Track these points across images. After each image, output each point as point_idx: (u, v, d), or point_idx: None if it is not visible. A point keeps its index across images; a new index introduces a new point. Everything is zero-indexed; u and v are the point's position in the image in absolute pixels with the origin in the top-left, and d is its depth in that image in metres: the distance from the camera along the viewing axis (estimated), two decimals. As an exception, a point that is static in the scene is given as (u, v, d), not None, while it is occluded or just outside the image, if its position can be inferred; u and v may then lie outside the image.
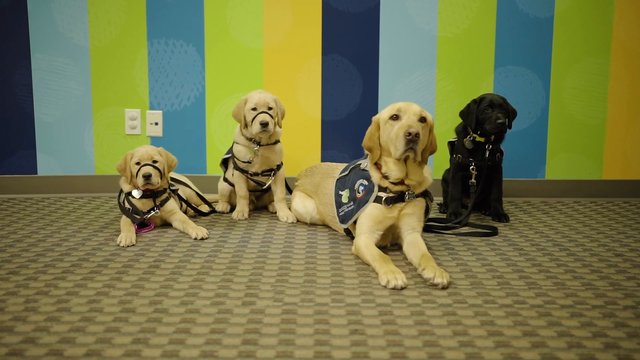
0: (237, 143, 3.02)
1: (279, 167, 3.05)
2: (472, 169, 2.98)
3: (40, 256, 2.31)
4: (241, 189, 3.03)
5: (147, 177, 2.64)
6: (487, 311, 1.80)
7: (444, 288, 2.00)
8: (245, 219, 3.00)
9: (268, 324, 1.70)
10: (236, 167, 3.01)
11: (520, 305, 1.85)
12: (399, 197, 2.32)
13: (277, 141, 3.02)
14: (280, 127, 3.01)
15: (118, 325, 1.67)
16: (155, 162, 2.70)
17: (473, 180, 2.98)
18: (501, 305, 1.85)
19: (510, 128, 3.01)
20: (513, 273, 2.16)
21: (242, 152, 2.99)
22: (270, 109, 2.89)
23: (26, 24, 3.40)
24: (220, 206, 3.17)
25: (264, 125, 2.83)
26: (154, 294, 1.92)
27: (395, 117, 2.26)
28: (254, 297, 1.90)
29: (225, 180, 3.17)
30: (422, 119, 2.27)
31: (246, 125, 2.95)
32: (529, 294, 1.95)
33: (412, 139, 2.18)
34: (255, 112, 2.87)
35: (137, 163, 2.68)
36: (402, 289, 1.98)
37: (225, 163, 3.20)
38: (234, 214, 3.01)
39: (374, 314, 1.77)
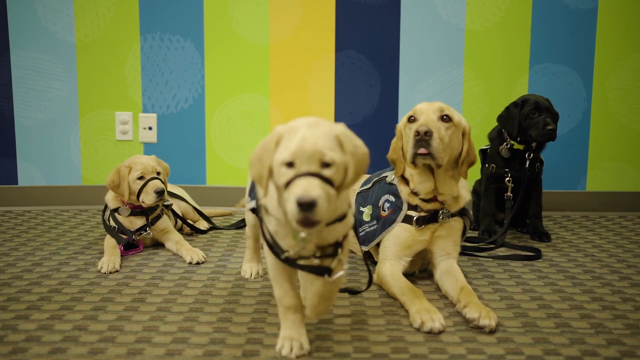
0: (268, 213, 1.51)
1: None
2: (508, 180, 2.61)
3: (5, 286, 1.95)
4: (286, 295, 1.52)
5: (161, 192, 2.33)
6: (552, 367, 1.43)
7: (491, 332, 1.63)
8: (304, 354, 1.49)
9: (275, 387, 1.33)
10: (272, 250, 1.51)
11: (591, 359, 1.47)
12: (431, 217, 1.96)
13: (344, 216, 1.48)
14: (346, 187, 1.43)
15: (82, 390, 1.31)
16: (158, 173, 2.39)
17: (509, 193, 2.61)
18: (567, 357, 1.48)
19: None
20: (571, 310, 1.79)
21: (280, 233, 1.50)
22: (318, 175, 1.34)
23: (5, 16, 3.12)
24: (248, 265, 2.07)
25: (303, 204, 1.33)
26: (135, 339, 1.56)
27: (412, 120, 1.97)
28: (258, 345, 1.54)
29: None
30: (445, 118, 1.92)
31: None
32: (598, 341, 1.57)
33: (421, 138, 1.86)
34: (289, 172, 1.34)
35: (140, 177, 2.34)
36: (439, 332, 1.62)
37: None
38: (280, 346, 1.50)
39: (408, 371, 1.41)
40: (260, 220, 1.57)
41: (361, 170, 1.42)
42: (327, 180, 1.34)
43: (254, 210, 1.74)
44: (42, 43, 3.15)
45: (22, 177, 3.23)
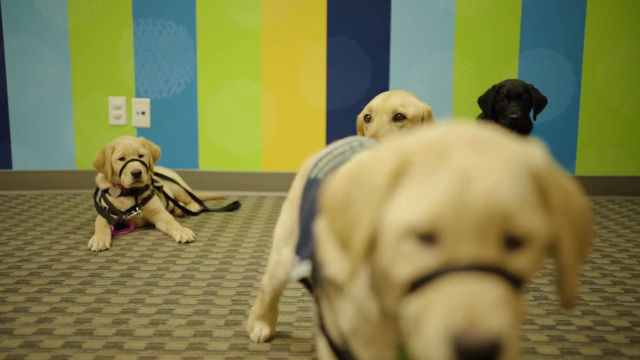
0: (341, 293, 0.86)
1: None
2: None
3: (-4, 262, 1.99)
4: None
5: (138, 174, 2.34)
6: (527, 335, 1.46)
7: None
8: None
9: (254, 352, 1.36)
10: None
11: (565, 327, 1.51)
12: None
13: None
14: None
15: (66, 354, 1.34)
16: (141, 155, 2.40)
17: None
18: (542, 326, 1.51)
19: (535, 119, 2.68)
20: (551, 285, 1.82)
21: (362, 335, 0.78)
22: (499, 271, 0.61)
23: (-2, 1, 3.11)
24: (258, 325, 1.44)
25: None
26: (120, 310, 1.60)
27: (367, 119, 1.85)
28: (240, 315, 1.57)
29: None
30: (399, 117, 1.85)
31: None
32: (574, 313, 1.61)
33: None
34: (425, 257, 0.62)
35: (121, 158, 2.37)
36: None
37: None
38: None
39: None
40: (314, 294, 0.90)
41: (584, 249, 0.65)
42: (515, 280, 0.61)
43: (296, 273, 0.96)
44: (35, 27, 3.13)
45: (16, 161, 3.23)
